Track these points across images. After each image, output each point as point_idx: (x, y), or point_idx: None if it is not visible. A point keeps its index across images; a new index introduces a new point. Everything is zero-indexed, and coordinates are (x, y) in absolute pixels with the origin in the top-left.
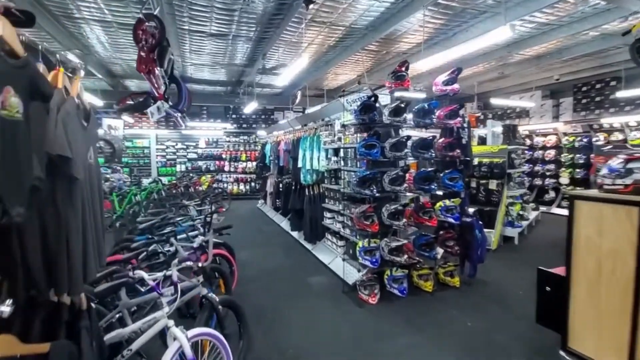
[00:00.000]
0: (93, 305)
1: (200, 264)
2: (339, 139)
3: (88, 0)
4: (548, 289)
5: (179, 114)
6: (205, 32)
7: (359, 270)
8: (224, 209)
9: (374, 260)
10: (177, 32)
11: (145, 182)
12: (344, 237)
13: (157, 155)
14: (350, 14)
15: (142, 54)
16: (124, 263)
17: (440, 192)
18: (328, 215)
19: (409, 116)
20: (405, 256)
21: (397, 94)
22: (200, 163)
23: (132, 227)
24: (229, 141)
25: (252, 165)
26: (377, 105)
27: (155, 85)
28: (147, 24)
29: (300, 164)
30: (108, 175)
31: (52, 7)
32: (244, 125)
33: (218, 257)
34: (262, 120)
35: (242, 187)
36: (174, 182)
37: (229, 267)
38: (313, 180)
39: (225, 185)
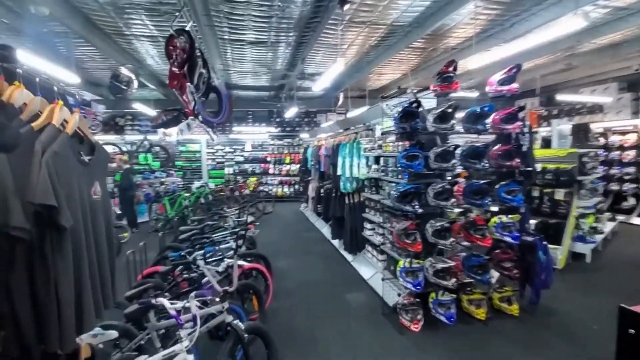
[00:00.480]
0: (101, 345)
1: (226, 288)
2: (379, 147)
3: (135, 17)
4: (632, 331)
5: (211, 129)
6: (245, 40)
7: (399, 294)
8: (255, 225)
9: (417, 283)
10: (218, 42)
11: (197, 184)
12: (385, 251)
13: (208, 159)
14: (391, 11)
15: (174, 69)
16: (162, 275)
17: (495, 208)
18: (368, 226)
19: (458, 121)
20: (454, 280)
21: (444, 97)
22: (246, 166)
23: (178, 234)
24: (273, 144)
25: (295, 167)
26: (420, 110)
27: (186, 100)
28: (177, 39)
29: (339, 172)
30: (163, 179)
31: (104, 26)
32: (287, 129)
33: (254, 271)
34: (305, 123)
35: (286, 189)
36: (221, 186)
37: (264, 281)
38: (353, 189)
39: (270, 187)
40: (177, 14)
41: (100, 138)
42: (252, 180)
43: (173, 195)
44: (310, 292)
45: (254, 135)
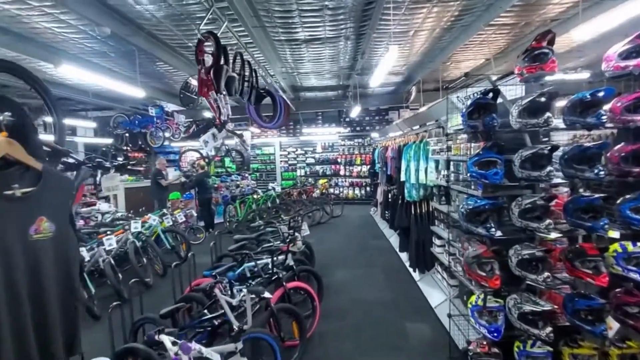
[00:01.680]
0: None
1: (240, 326)
2: (449, 148)
3: (193, 28)
4: None
5: (241, 138)
6: (299, 39)
7: (468, 342)
8: (300, 238)
9: (494, 328)
10: (274, 44)
11: (270, 186)
12: (456, 275)
13: (281, 161)
14: None
15: (202, 76)
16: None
17: (615, 232)
18: (437, 242)
19: (557, 113)
20: (549, 329)
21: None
22: (317, 167)
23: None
24: (343, 145)
25: (366, 169)
26: (500, 102)
27: (215, 108)
28: (205, 43)
29: (403, 177)
30: (238, 182)
31: (168, 40)
32: (357, 128)
33: (299, 290)
34: (376, 122)
35: (357, 191)
36: (288, 189)
37: (310, 302)
38: (420, 197)
39: (340, 189)
40: (209, 15)
41: (183, 144)
42: (322, 182)
43: (243, 198)
44: (365, 315)
45: (323, 136)
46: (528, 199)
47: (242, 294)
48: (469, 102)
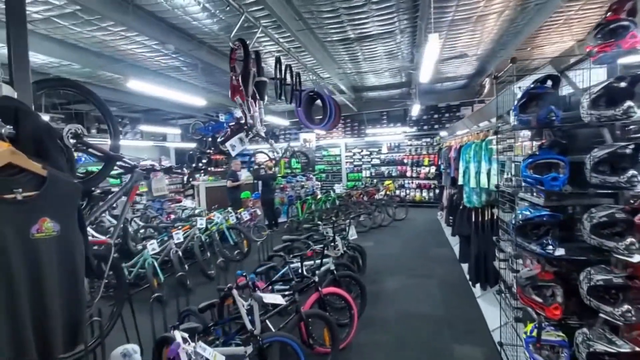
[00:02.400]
0: None
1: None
2: (510, 147)
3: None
4: None
5: (273, 142)
6: (349, 37)
7: None
8: (338, 247)
9: None
10: (325, 45)
11: (336, 187)
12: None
13: (346, 162)
14: None
15: (233, 82)
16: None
17: None
18: (501, 255)
19: None
20: None
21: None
22: (382, 169)
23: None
24: (410, 145)
25: (435, 170)
26: (560, 93)
27: (244, 113)
28: (237, 50)
29: (460, 180)
30: (303, 183)
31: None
32: (425, 127)
33: (335, 297)
34: (446, 119)
35: (424, 194)
36: (348, 190)
37: (348, 310)
38: (481, 202)
39: (407, 191)
40: (240, 22)
41: (255, 147)
42: (387, 183)
43: (304, 199)
44: (410, 330)
45: (389, 136)
46: (603, 210)
47: (250, 300)
48: (520, 93)
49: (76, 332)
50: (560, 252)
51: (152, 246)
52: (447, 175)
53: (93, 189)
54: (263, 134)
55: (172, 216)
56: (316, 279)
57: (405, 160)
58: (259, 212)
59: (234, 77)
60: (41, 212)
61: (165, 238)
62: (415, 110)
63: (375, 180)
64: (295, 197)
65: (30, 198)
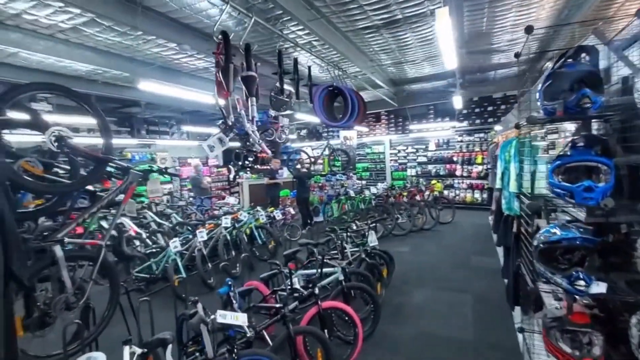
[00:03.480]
0: None
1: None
2: (553, 144)
3: (269, 38)
4: None
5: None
6: (374, 25)
7: None
8: (346, 255)
9: None
10: (348, 35)
11: (380, 186)
12: None
13: (390, 160)
14: None
15: (218, 77)
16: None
17: None
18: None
19: None
20: None
21: None
22: (429, 167)
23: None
24: (461, 141)
25: (486, 168)
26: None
27: (226, 111)
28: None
29: (498, 183)
30: (343, 182)
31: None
32: (477, 121)
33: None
34: (501, 112)
35: (476, 195)
36: (386, 190)
37: (352, 328)
38: (523, 210)
39: (456, 192)
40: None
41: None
42: (433, 183)
43: (338, 198)
44: (426, 357)
45: (436, 132)
46: None
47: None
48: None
49: None
50: (598, 288)
51: (174, 244)
52: (493, 176)
53: (94, 189)
54: (252, 132)
55: (215, 212)
56: (316, 290)
57: (454, 158)
58: (292, 210)
59: (217, 73)
60: None
61: (190, 236)
62: (458, 102)
63: (419, 180)
64: (335, 196)
65: None
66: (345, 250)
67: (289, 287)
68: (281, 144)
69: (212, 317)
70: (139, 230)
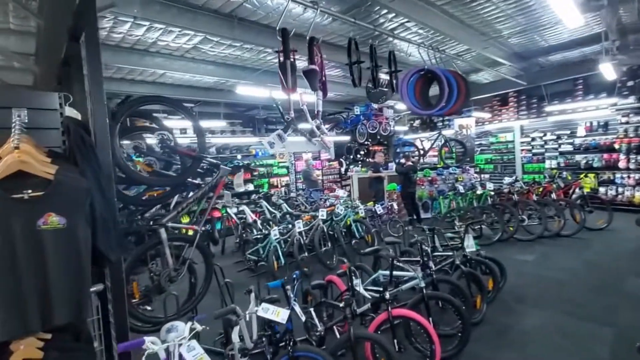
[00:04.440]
0: None
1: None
2: None
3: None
4: None
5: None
6: None
7: None
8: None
9: None
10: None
11: (507, 180)
12: None
13: (522, 150)
14: None
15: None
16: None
17: None
18: None
19: None
20: None
21: None
22: (577, 158)
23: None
24: (626, 122)
25: None
26: None
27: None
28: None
29: None
30: (457, 175)
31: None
32: None
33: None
34: None
35: None
36: (507, 187)
37: (428, 339)
38: None
39: (620, 190)
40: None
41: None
42: (581, 178)
43: (446, 194)
44: None
45: (587, 113)
46: None
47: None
48: None
49: (80, 308)
50: None
51: (274, 232)
52: None
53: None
54: (317, 128)
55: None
56: (387, 295)
57: (616, 146)
58: (395, 205)
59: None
60: (47, 208)
61: (290, 226)
62: (609, 71)
63: (558, 173)
64: (449, 191)
65: (36, 197)
66: (435, 253)
67: (356, 288)
68: (391, 136)
69: (256, 309)
70: (254, 217)
